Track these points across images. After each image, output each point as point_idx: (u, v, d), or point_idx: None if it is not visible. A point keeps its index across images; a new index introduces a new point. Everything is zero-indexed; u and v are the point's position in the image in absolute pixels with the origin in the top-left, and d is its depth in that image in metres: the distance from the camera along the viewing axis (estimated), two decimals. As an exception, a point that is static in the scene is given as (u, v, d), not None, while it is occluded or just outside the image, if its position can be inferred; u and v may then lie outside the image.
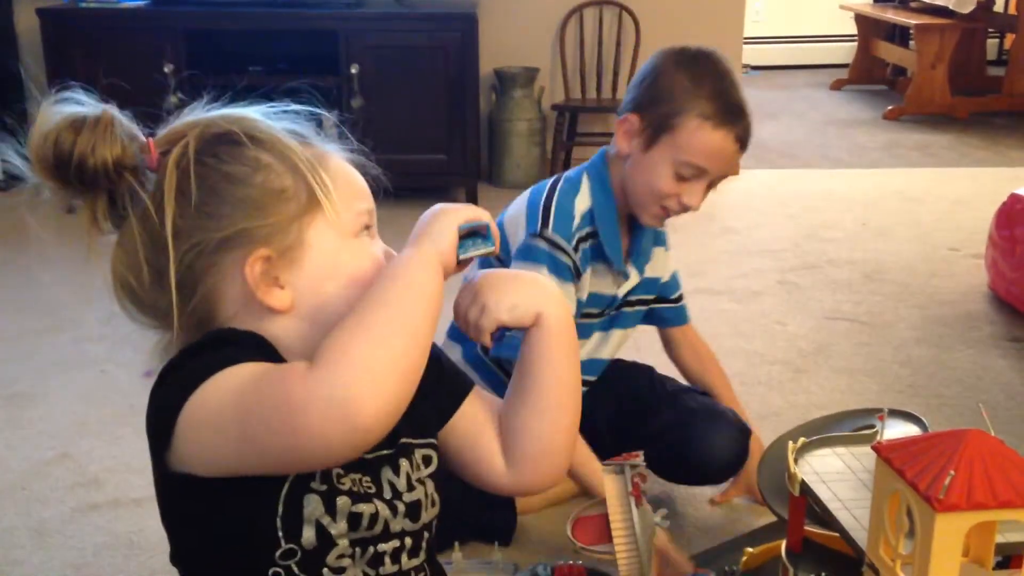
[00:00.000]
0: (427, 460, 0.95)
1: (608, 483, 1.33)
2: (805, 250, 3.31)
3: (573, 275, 1.60)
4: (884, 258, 3.19)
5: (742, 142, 1.59)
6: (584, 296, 1.65)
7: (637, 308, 1.78)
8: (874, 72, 6.47)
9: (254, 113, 0.90)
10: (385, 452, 0.90)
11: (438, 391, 0.97)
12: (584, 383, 1.69)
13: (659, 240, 1.78)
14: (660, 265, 1.78)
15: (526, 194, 1.68)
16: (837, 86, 6.54)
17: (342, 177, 0.90)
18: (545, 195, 1.63)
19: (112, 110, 0.87)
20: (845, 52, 6.80)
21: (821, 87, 6.63)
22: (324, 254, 0.88)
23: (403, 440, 0.92)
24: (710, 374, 1.85)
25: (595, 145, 4.28)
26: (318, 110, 0.95)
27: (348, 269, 0.88)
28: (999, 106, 5.47)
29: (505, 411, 0.97)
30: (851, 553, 1.18)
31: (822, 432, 1.45)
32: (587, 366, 1.66)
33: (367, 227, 0.91)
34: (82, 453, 1.98)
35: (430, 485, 0.94)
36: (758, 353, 2.47)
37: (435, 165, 3.79)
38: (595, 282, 1.66)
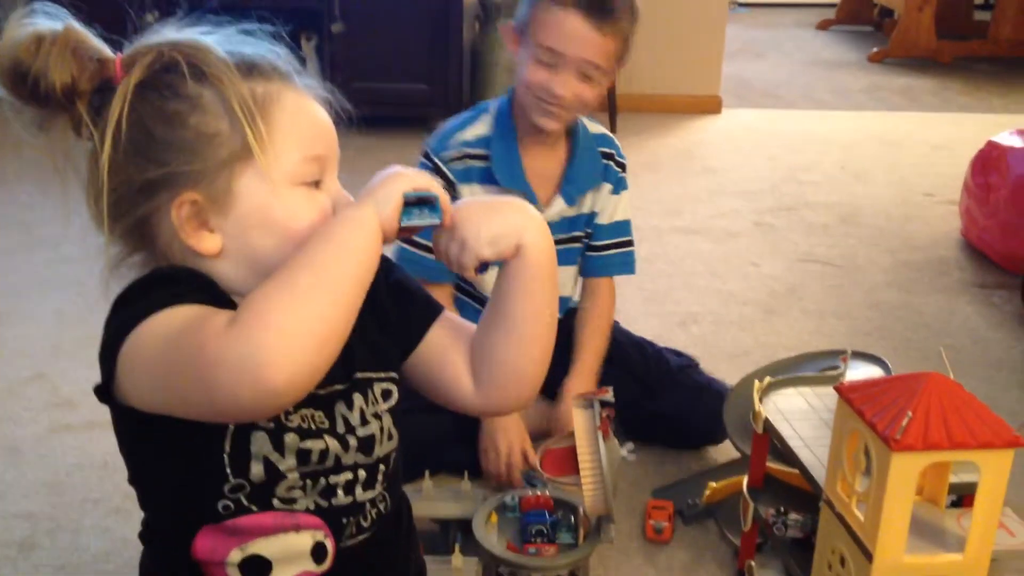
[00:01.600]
0: (386, 394, 0.94)
1: (577, 417, 1.35)
2: (783, 192, 3.32)
3: (447, 192, 1.60)
4: (860, 202, 3.21)
5: (594, 22, 1.53)
6: None
7: (579, 244, 1.75)
8: (861, 13, 6.41)
9: (212, 42, 0.85)
10: (339, 387, 0.90)
11: (404, 322, 0.96)
12: None
13: (608, 177, 1.72)
14: (601, 202, 1.73)
15: None
16: (824, 26, 6.49)
17: (293, 121, 0.85)
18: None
19: (76, 27, 0.83)
20: (833, -9, 6.74)
21: (808, 26, 6.58)
22: (254, 204, 0.83)
23: (359, 375, 0.92)
24: (585, 337, 1.73)
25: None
26: (287, 44, 0.91)
27: (282, 221, 0.84)
28: (984, 51, 5.46)
29: (477, 335, 0.95)
30: (810, 489, 1.22)
31: (788, 372, 1.48)
32: None
33: (317, 177, 0.86)
34: (57, 374, 1.98)
35: (387, 419, 0.93)
36: (731, 293, 2.49)
37: (416, 95, 3.75)
38: None
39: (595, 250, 1.76)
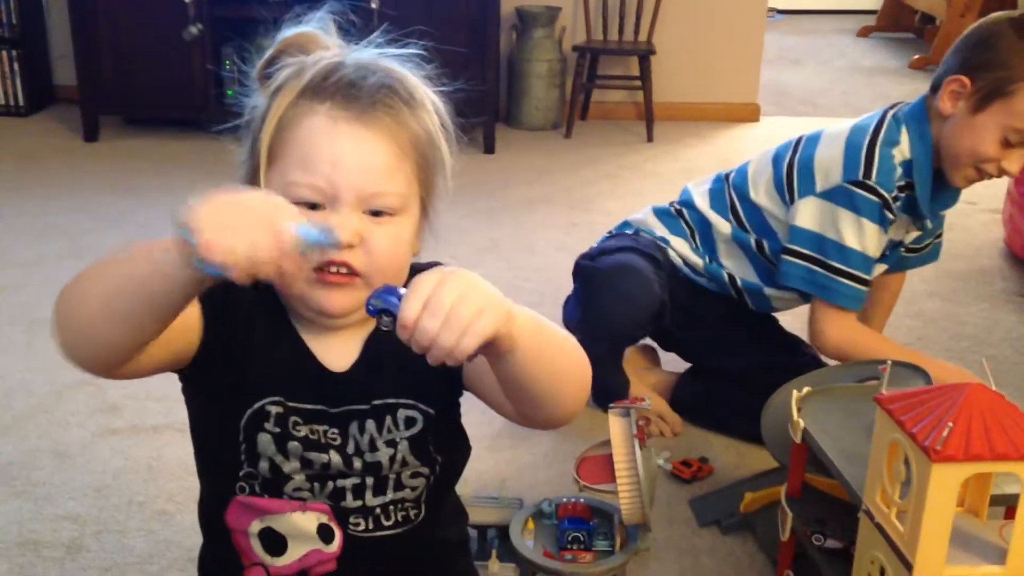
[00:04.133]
0: (410, 422, 0.94)
1: (613, 425, 1.36)
2: (822, 200, 3.29)
3: (889, 223, 1.69)
4: (901, 210, 3.17)
5: None
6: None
7: (920, 252, 1.88)
8: (902, 20, 6.35)
9: (309, 61, 0.90)
10: (356, 407, 0.93)
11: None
12: None
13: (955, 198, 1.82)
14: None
15: (842, 136, 1.74)
16: (864, 33, 6.43)
17: (300, 143, 0.86)
18: (867, 143, 1.68)
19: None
20: (874, -2, 6.68)
21: (848, 33, 6.52)
22: None
23: (378, 401, 0.93)
24: (874, 310, 1.97)
25: (615, 88, 4.26)
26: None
27: None
28: (1028, 58, 5.38)
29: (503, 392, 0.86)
30: (848, 500, 1.21)
31: (827, 382, 1.47)
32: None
33: (308, 202, 0.85)
34: (102, 380, 2.01)
35: (404, 446, 0.94)
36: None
37: (452, 104, 3.77)
38: (893, 230, 1.74)
39: (916, 251, 1.90)
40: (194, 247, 0.67)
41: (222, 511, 0.95)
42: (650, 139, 3.97)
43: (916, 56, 5.50)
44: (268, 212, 0.69)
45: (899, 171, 1.67)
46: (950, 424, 0.97)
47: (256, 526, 0.95)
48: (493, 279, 0.74)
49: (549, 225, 3.00)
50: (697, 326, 1.91)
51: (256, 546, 0.95)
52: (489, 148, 3.75)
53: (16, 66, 3.97)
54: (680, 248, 1.88)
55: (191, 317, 0.86)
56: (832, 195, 1.69)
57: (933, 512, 0.99)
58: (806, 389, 1.37)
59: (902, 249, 1.84)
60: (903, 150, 1.68)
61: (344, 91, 0.87)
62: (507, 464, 1.74)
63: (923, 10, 6.07)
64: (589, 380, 0.87)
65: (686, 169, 3.63)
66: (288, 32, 0.93)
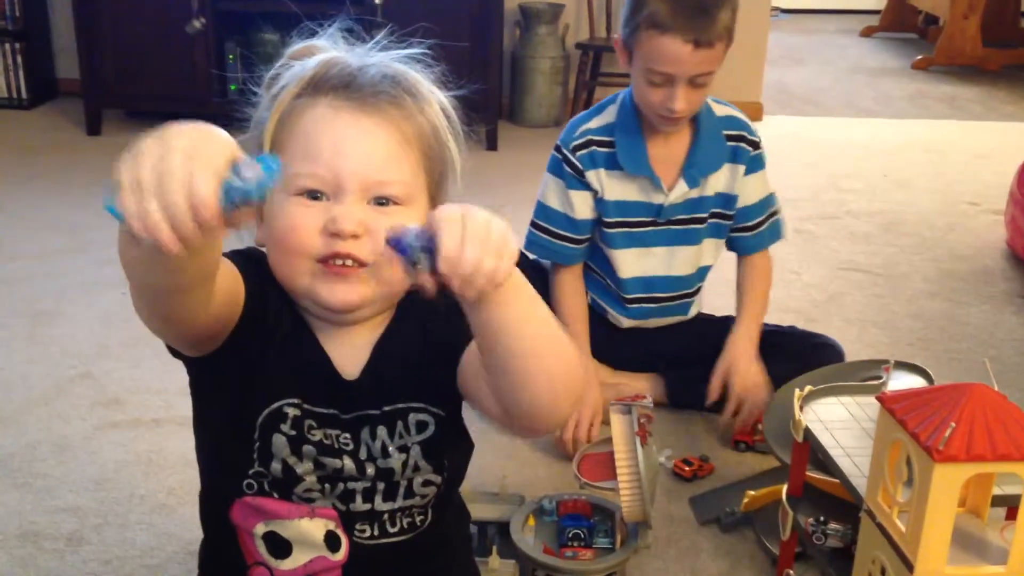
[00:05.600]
0: (421, 426, 0.93)
1: (615, 422, 1.36)
2: (824, 199, 3.29)
3: (575, 179, 1.76)
4: (903, 210, 3.17)
5: (697, 42, 1.58)
6: (608, 200, 1.76)
7: (703, 224, 1.82)
8: (905, 20, 6.34)
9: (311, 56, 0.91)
10: (368, 412, 0.92)
11: (450, 354, 0.91)
12: (669, 298, 1.86)
13: (738, 158, 1.78)
14: (734, 183, 1.79)
15: None
16: (867, 33, 6.42)
17: (302, 134, 0.87)
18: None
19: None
20: (877, -2, 6.68)
21: (851, 33, 6.51)
22: (268, 204, 0.86)
23: (388, 406, 0.93)
24: (743, 300, 1.88)
25: (618, 86, 4.24)
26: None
27: (272, 224, 0.87)
28: (1031, 59, 5.38)
29: (487, 377, 0.83)
30: (850, 499, 1.21)
31: (829, 381, 1.47)
32: (662, 283, 1.84)
33: (311, 192, 0.85)
34: (103, 373, 2.02)
35: (416, 451, 0.93)
36: (772, 301, 2.45)
37: (455, 100, 3.76)
38: (620, 189, 1.76)
39: (747, 230, 1.85)
40: (113, 211, 0.61)
41: (226, 508, 0.94)
42: (653, 137, 3.97)
43: (919, 56, 5.50)
44: (191, 166, 0.60)
45: (584, 128, 1.75)
46: (952, 424, 0.97)
47: (261, 528, 0.93)
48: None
49: (551, 222, 2.99)
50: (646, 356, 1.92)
51: (260, 547, 0.94)
52: (492, 145, 3.74)
53: (19, 59, 3.97)
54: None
55: (236, 285, 0.85)
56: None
57: (935, 512, 0.99)
58: (808, 388, 1.38)
59: (670, 215, 1.77)
60: (607, 115, 1.76)
61: (345, 82, 0.88)
62: (508, 460, 1.74)
63: (926, 10, 6.07)
64: (576, 382, 0.82)
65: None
66: (295, 47, 0.94)
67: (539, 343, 0.78)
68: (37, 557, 1.47)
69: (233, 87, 3.70)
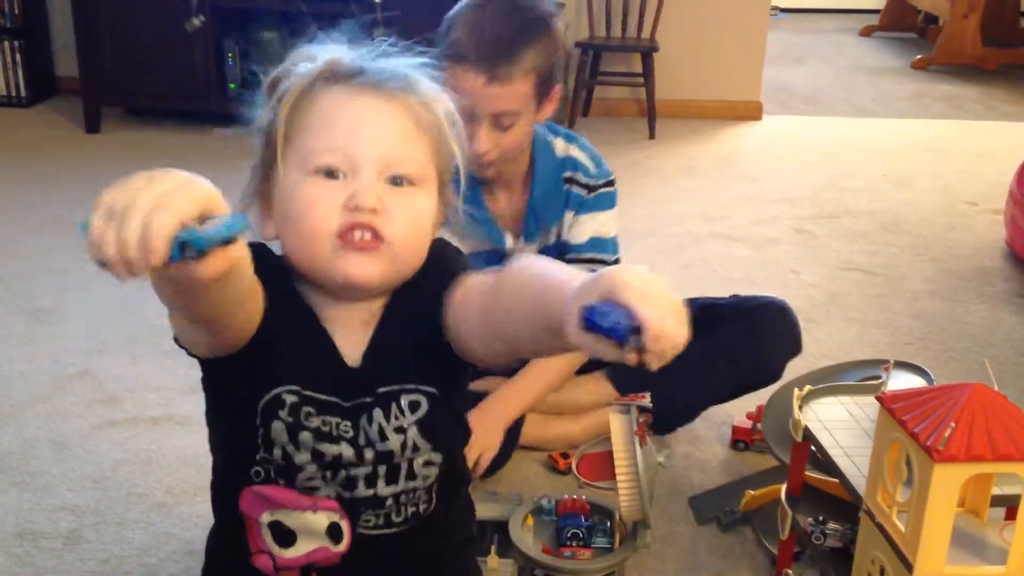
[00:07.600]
0: (414, 406, 0.94)
1: (614, 422, 1.35)
2: (824, 199, 3.29)
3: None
4: (902, 209, 3.17)
5: (491, 76, 1.47)
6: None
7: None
8: (905, 19, 6.34)
9: (314, 50, 0.93)
10: (365, 400, 0.93)
11: (438, 334, 0.93)
12: None
13: (569, 204, 1.68)
14: (567, 227, 1.69)
15: None
16: (866, 32, 6.43)
17: (319, 115, 0.88)
18: None
19: None
20: (877, -3, 6.68)
21: (850, 32, 6.51)
22: (283, 188, 0.89)
23: (382, 389, 0.94)
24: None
25: (617, 85, 4.25)
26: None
27: (289, 206, 0.88)
28: (1030, 59, 5.38)
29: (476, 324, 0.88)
30: (849, 499, 1.21)
31: (828, 381, 1.47)
32: None
33: (328, 170, 0.87)
34: (101, 371, 2.02)
35: (413, 431, 0.94)
36: (770, 300, 2.47)
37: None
38: (472, 242, 1.58)
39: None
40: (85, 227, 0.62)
41: (236, 494, 0.96)
42: (652, 136, 3.97)
43: (919, 56, 5.50)
44: (157, 205, 0.62)
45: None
46: (952, 424, 0.97)
47: (267, 517, 0.95)
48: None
49: (550, 221, 2.99)
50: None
51: (266, 535, 0.96)
52: (491, 143, 3.74)
53: (18, 57, 3.97)
54: None
55: (258, 291, 0.84)
56: None
57: (934, 512, 0.99)
58: (807, 388, 1.37)
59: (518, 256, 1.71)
60: None
61: (357, 73, 0.91)
62: (507, 459, 1.73)
63: (926, 10, 6.07)
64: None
65: (688, 167, 3.63)
66: (299, 51, 0.94)
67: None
68: (35, 555, 1.47)
69: (232, 85, 3.70)
